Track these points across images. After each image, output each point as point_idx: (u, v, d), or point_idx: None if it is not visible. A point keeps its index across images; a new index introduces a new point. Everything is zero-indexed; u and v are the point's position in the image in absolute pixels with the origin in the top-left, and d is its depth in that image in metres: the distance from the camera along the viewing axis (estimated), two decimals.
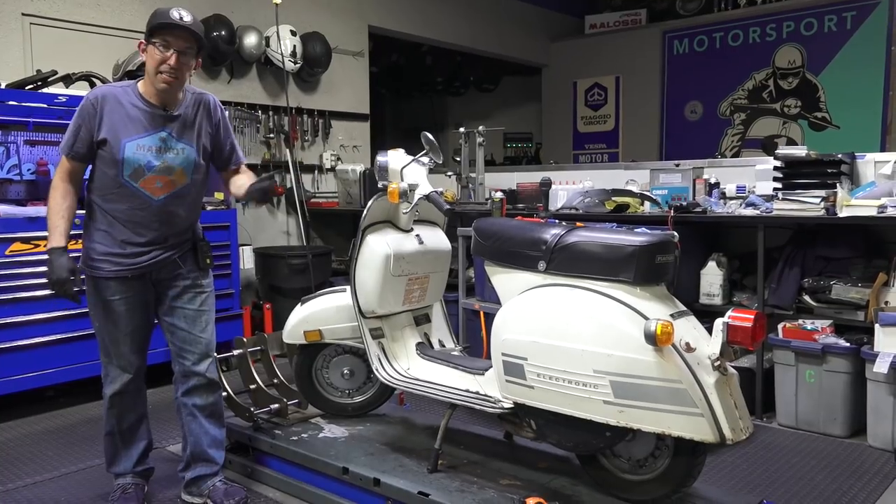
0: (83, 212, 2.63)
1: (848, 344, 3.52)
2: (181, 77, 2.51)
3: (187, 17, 2.45)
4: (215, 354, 2.77)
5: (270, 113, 6.01)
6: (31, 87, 4.15)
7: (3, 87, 4.08)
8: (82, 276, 2.57)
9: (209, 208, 4.67)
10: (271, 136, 6.01)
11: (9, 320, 3.77)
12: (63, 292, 2.49)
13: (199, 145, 2.63)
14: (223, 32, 5.45)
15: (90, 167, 2.59)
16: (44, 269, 3.81)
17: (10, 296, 3.78)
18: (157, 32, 2.46)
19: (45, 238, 3.80)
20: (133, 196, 2.53)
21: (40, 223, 3.79)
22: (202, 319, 2.72)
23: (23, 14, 4.71)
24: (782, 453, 3.39)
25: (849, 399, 3.54)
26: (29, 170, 4.04)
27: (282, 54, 5.65)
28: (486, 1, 8.19)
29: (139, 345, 2.68)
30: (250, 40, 5.68)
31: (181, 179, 2.60)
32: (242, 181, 2.77)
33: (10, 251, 3.76)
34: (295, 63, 5.87)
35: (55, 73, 4.25)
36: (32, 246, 3.82)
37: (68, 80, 4.35)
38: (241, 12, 5.74)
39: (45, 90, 4.16)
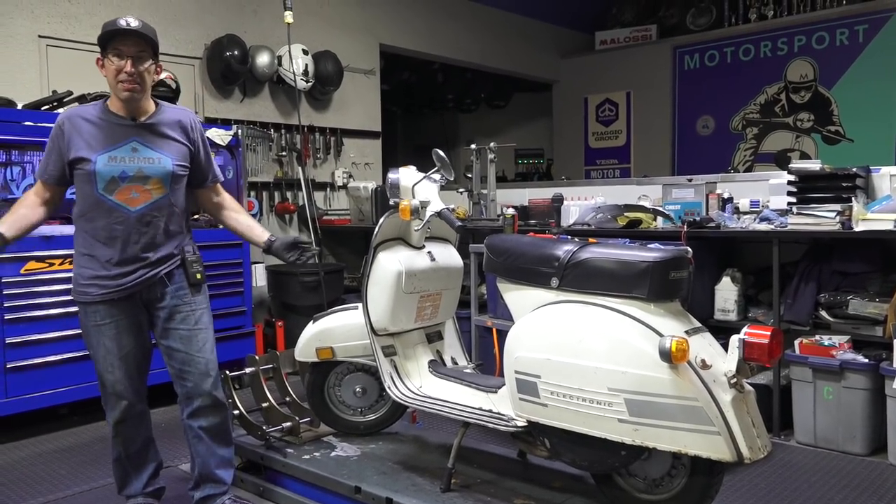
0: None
1: (866, 360, 3.47)
2: (142, 83, 2.50)
3: (135, 23, 2.46)
4: (219, 372, 2.71)
5: (283, 131, 6.05)
6: (46, 107, 4.20)
7: (19, 107, 4.13)
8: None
9: (221, 226, 4.68)
10: (283, 154, 6.05)
11: (23, 338, 3.79)
12: None
13: (176, 157, 2.59)
14: (236, 52, 5.51)
15: (74, 192, 2.57)
16: (59, 287, 3.91)
17: (25, 314, 3.81)
18: (109, 44, 2.46)
19: (60, 257, 3.90)
20: (111, 210, 2.50)
21: (55, 242, 3.83)
22: (198, 338, 2.64)
23: (39, 36, 4.78)
24: (801, 472, 3.33)
25: (868, 416, 3.48)
26: None
27: (294, 73, 5.69)
28: (497, 18, 8.24)
29: (135, 369, 2.62)
30: (263, 60, 5.74)
31: (158, 190, 2.55)
32: (249, 222, 2.85)
33: (25, 270, 3.79)
34: (307, 82, 5.91)
35: (70, 93, 4.30)
36: (47, 265, 3.85)
37: (83, 100, 4.39)
38: (253, 32, 5.80)
39: (60, 111, 4.21)
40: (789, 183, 3.91)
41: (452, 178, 2.82)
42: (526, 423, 2.33)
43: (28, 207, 2.56)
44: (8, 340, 3.75)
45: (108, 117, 2.54)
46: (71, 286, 2.64)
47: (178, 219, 2.65)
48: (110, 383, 2.59)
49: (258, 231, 2.82)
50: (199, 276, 2.67)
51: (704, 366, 2.00)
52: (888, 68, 7.09)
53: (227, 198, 2.87)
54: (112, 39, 2.46)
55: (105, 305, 2.53)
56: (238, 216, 2.85)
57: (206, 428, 2.68)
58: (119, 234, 2.51)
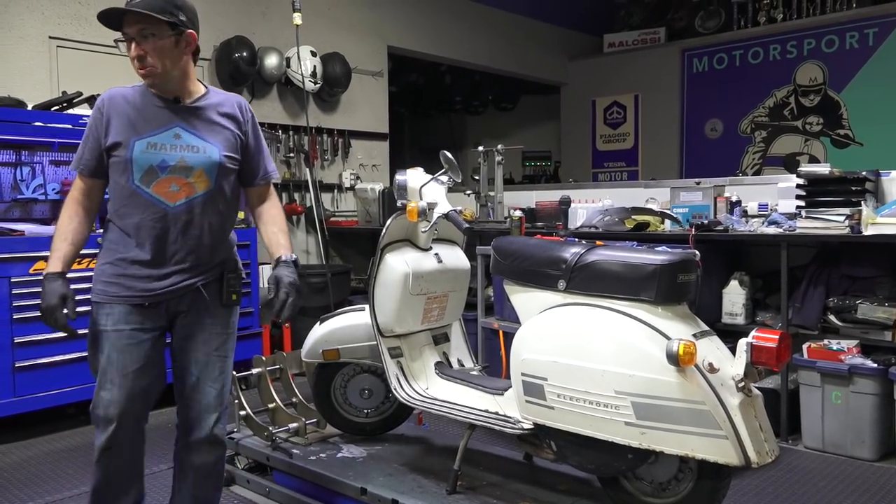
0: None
1: (875, 364, 3.45)
2: (159, 64, 2.15)
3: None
4: (227, 408, 2.41)
5: (291, 132, 6.07)
6: (56, 108, 4.23)
7: (29, 108, 4.16)
8: (79, 307, 2.18)
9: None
10: (291, 155, 6.06)
11: (32, 338, 3.81)
12: (53, 321, 2.13)
13: (224, 146, 2.27)
14: (245, 53, 5.53)
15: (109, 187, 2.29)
16: None
17: (34, 314, 3.80)
18: (117, 31, 2.17)
19: None
20: (147, 205, 2.18)
21: None
22: (216, 367, 2.32)
23: (50, 37, 4.81)
24: (809, 477, 3.31)
25: (877, 421, 3.46)
26: (54, 189, 4.11)
27: (302, 75, 5.71)
28: (505, 21, 8.24)
29: (139, 392, 2.21)
30: (271, 61, 5.75)
31: (202, 184, 2.23)
32: (277, 237, 2.40)
33: (35, 269, 3.81)
34: (315, 83, 5.93)
35: (80, 94, 4.32)
36: None
37: (93, 101, 4.42)
38: (262, 34, 5.82)
39: (70, 111, 4.24)
40: (798, 186, 3.89)
41: (460, 180, 2.82)
42: (532, 426, 2.33)
43: (74, 218, 2.22)
44: (16, 340, 3.77)
45: (149, 99, 2.23)
46: (83, 286, 2.35)
47: (225, 220, 2.33)
48: (104, 403, 2.18)
49: (275, 245, 2.41)
50: (234, 297, 2.34)
51: (712, 369, 1.99)
52: None
53: (272, 205, 2.47)
54: (114, 26, 2.17)
55: (125, 309, 2.19)
56: (268, 227, 2.43)
57: (196, 466, 2.35)
58: (156, 232, 2.20)
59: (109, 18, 2.16)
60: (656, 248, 2.40)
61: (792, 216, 3.89)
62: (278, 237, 2.41)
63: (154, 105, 2.23)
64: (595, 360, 2.10)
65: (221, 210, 2.30)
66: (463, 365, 2.94)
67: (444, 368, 2.83)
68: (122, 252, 2.21)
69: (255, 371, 3.25)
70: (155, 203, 2.19)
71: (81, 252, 2.27)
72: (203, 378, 2.30)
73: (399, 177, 2.76)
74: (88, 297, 2.26)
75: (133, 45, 2.15)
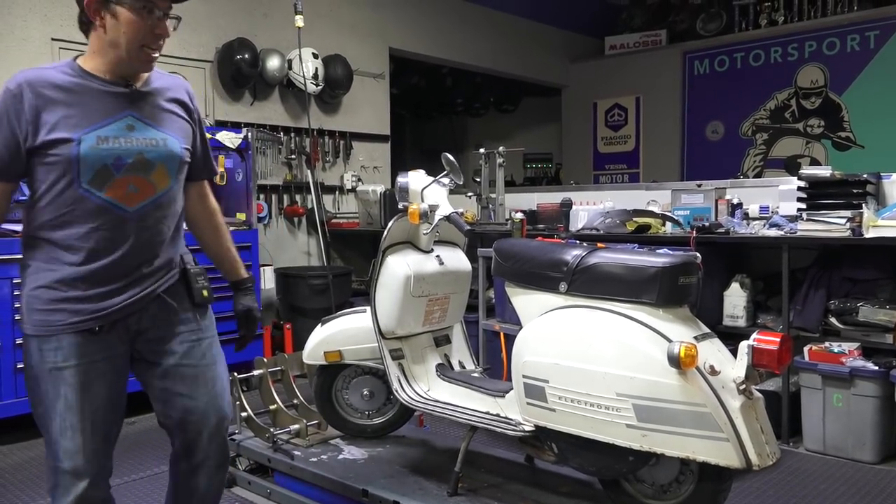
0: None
1: (876, 367, 3.45)
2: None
3: None
4: (229, 419, 2.09)
5: (292, 134, 6.07)
6: None
7: None
8: None
9: (231, 228, 4.70)
10: (293, 157, 6.07)
11: None
12: None
13: (182, 138, 1.94)
14: (247, 55, 5.53)
15: (26, 187, 1.86)
16: None
17: None
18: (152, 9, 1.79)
19: None
20: (98, 212, 1.80)
21: None
22: (207, 377, 1.97)
23: (52, 39, 4.81)
24: (810, 479, 3.31)
25: (878, 424, 3.46)
26: None
27: (304, 77, 5.72)
28: (506, 22, 8.25)
29: (102, 433, 1.83)
30: (273, 63, 5.76)
31: (162, 182, 1.88)
32: (231, 253, 2.14)
33: None
34: (317, 85, 5.93)
35: None
36: None
37: None
38: (264, 36, 5.82)
39: None
40: (799, 189, 3.90)
41: (461, 182, 2.82)
42: (533, 428, 2.33)
43: None
44: (18, 341, 3.77)
45: (87, 80, 1.80)
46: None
47: (180, 221, 2.01)
48: (67, 454, 1.77)
49: (231, 263, 2.14)
50: (205, 292, 2.00)
51: (713, 372, 2.00)
52: None
53: (215, 211, 2.16)
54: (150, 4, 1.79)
55: (74, 339, 1.79)
56: (219, 241, 2.15)
57: (202, 493, 2.04)
58: (108, 243, 1.81)
59: None
60: (657, 251, 2.39)
61: (793, 219, 3.89)
62: (233, 253, 2.13)
63: (96, 90, 1.81)
64: (596, 362, 2.11)
65: (177, 209, 1.97)
66: (464, 367, 2.94)
67: (445, 370, 2.83)
68: (59, 271, 1.80)
69: (256, 372, 3.26)
70: (111, 208, 1.81)
71: None
72: (196, 394, 1.95)
73: (401, 179, 2.76)
74: None
75: (163, 22, 1.83)
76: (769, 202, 4.25)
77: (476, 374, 2.87)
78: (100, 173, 1.78)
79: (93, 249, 1.80)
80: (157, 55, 1.85)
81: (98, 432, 1.82)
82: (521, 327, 2.38)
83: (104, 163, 1.78)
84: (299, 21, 5.31)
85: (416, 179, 2.76)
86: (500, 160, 5.01)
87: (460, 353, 2.98)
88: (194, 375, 1.95)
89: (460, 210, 2.79)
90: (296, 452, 2.99)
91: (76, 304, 1.80)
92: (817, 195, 3.82)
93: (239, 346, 2.15)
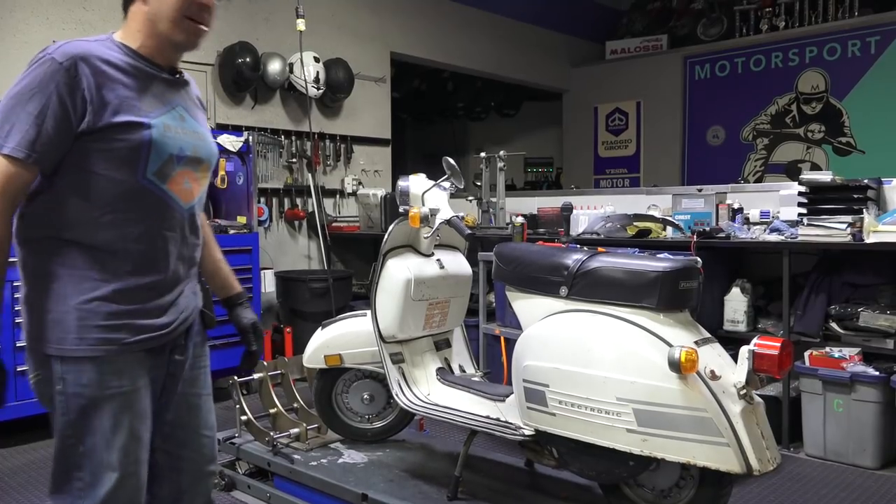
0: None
1: (877, 372, 3.45)
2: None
3: None
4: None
5: (293, 138, 6.07)
6: None
7: None
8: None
9: (231, 232, 4.72)
10: (294, 160, 6.07)
11: None
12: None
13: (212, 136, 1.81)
14: (248, 59, 5.54)
15: (54, 181, 1.56)
16: None
17: None
18: None
19: None
20: (158, 207, 1.60)
21: None
22: (204, 408, 1.79)
23: (54, 42, 4.81)
24: (810, 485, 3.31)
25: (879, 429, 3.45)
26: None
27: (305, 80, 5.72)
28: (507, 27, 8.26)
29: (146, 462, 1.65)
30: (274, 67, 5.77)
31: (205, 180, 1.74)
32: (223, 265, 1.94)
33: None
34: (318, 89, 5.94)
35: None
36: None
37: None
38: (265, 39, 5.83)
39: None
40: (800, 194, 3.90)
41: (462, 187, 2.82)
42: (534, 432, 2.32)
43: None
44: (19, 344, 3.76)
45: (139, 62, 1.60)
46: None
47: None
48: (130, 491, 1.57)
49: (224, 276, 1.94)
50: (214, 319, 1.84)
51: (714, 377, 1.99)
52: None
53: (204, 220, 1.89)
54: None
55: (136, 359, 1.59)
56: (210, 252, 1.90)
57: None
58: (164, 244, 1.62)
59: None
60: (658, 255, 2.40)
61: (794, 224, 3.89)
62: (225, 266, 1.95)
63: (149, 73, 1.62)
64: (597, 366, 2.10)
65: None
66: (464, 371, 2.94)
67: (445, 374, 2.83)
68: (111, 280, 1.55)
69: (256, 376, 3.25)
70: (170, 204, 1.62)
71: None
72: (194, 425, 1.76)
73: (401, 183, 2.76)
74: None
75: None
76: (770, 207, 4.25)
77: (476, 378, 2.87)
78: (166, 164, 1.59)
79: (149, 252, 1.59)
80: (204, 28, 1.66)
81: (145, 459, 1.62)
82: (522, 331, 2.38)
83: (170, 152, 1.60)
84: (301, 25, 5.32)
85: (416, 183, 2.76)
86: (500, 164, 5.02)
87: (460, 356, 2.98)
88: (197, 406, 1.77)
89: (461, 214, 2.79)
90: (296, 456, 2.99)
91: (143, 319, 1.58)
92: (818, 200, 3.82)
93: (251, 363, 1.97)
